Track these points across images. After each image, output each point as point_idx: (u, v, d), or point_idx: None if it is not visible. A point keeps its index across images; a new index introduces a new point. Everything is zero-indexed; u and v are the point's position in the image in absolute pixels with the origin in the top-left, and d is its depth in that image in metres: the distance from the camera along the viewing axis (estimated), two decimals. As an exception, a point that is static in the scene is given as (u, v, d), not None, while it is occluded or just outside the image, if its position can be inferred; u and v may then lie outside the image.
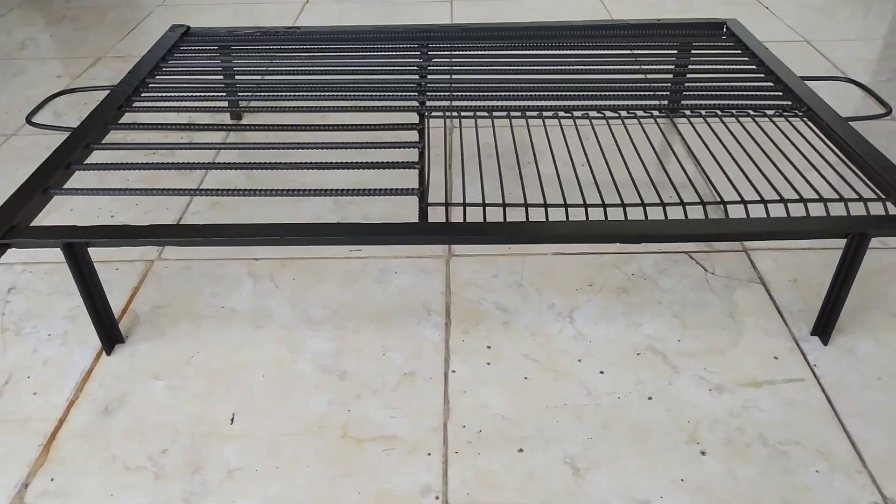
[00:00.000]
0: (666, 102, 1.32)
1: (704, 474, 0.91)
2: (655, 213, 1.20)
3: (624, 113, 1.26)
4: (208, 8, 2.58)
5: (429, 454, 0.94)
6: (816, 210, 1.07)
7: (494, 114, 1.26)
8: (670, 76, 1.70)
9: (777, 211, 1.07)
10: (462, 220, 1.04)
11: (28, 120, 1.26)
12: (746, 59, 1.48)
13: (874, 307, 1.16)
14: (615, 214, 1.19)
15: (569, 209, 1.15)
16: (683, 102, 1.33)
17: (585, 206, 1.02)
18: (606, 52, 1.49)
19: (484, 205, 1.03)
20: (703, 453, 0.93)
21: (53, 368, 1.08)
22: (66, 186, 1.13)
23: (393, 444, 0.96)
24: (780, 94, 1.32)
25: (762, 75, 1.41)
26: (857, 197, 1.02)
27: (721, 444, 0.94)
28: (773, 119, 1.24)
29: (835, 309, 1.06)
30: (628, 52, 1.50)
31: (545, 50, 1.51)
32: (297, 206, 1.44)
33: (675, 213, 1.08)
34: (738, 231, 0.98)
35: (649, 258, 1.28)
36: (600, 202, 1.03)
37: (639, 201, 1.08)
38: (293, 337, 1.13)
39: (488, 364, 1.08)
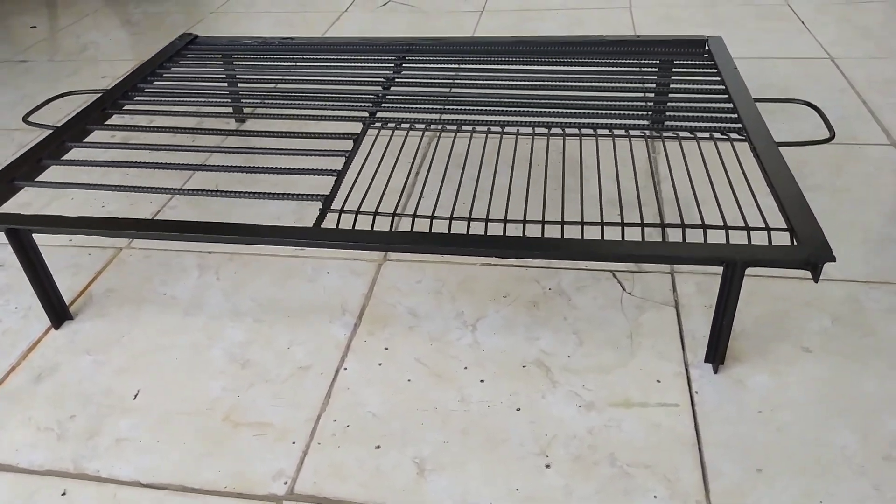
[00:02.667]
0: (643, 122, 1.32)
1: (541, 486, 0.93)
2: (572, 231, 1.22)
3: (590, 131, 1.28)
4: (255, 16, 2.75)
5: (293, 443, 1.01)
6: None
7: (435, 126, 1.31)
8: (651, 95, 1.69)
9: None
10: (393, 230, 1.10)
11: (24, 119, 1.43)
12: (717, 79, 1.46)
13: (786, 340, 1.13)
14: (534, 230, 1.22)
15: (471, 223, 1.19)
16: (645, 122, 1.33)
17: (487, 220, 1.06)
18: (589, 68, 1.51)
19: (375, 213, 1.09)
20: (547, 466, 0.96)
21: (9, 337, 1.24)
22: (38, 179, 1.28)
23: (265, 431, 1.03)
24: (734, 116, 1.30)
25: (724, 96, 1.38)
26: (741, 225, 1.00)
27: (569, 460, 0.96)
28: (716, 141, 1.22)
29: (721, 337, 1.05)
30: (610, 68, 1.51)
31: (524, 65, 1.54)
32: (265, 206, 1.55)
33: (590, 232, 1.10)
34: (610, 252, 0.98)
35: (572, 274, 1.29)
36: (521, 218, 1.06)
37: (561, 220, 1.10)
38: (215, 325, 1.23)
39: (379, 365, 1.13)
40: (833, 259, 0.91)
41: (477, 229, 1.34)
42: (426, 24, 2.53)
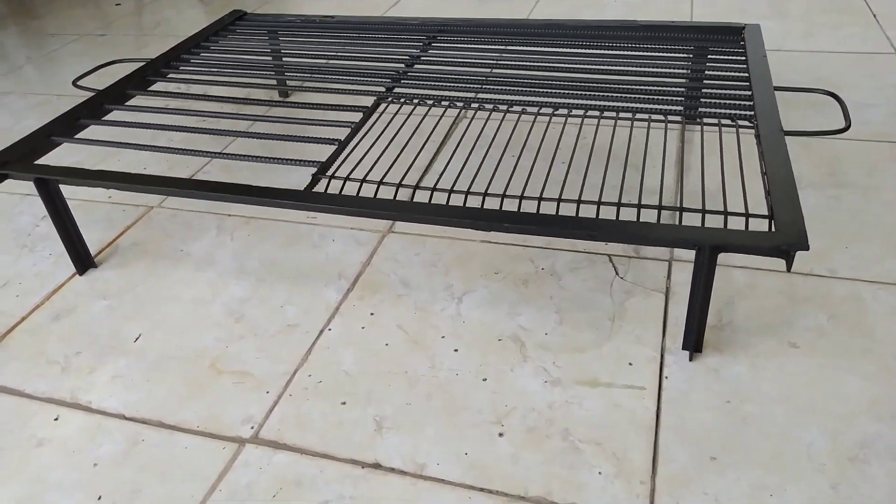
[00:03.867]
0: (666, 108, 1.30)
1: (489, 453, 0.94)
2: (588, 210, 1.22)
3: (612, 114, 1.28)
4: (319, -2, 2.84)
5: (267, 392, 1.07)
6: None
7: (456, 104, 1.33)
8: (680, 81, 1.65)
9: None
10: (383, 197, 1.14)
11: (74, 83, 1.55)
12: (744, 66, 1.41)
13: (776, 334, 1.09)
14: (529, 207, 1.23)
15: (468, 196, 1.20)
16: (672, 108, 1.31)
17: (485, 194, 1.08)
18: (620, 52, 1.49)
19: (363, 181, 1.12)
20: (500, 435, 0.97)
21: (38, 280, 1.35)
22: (77, 136, 1.38)
23: (244, 380, 1.09)
24: (750, 103, 1.27)
25: (746, 84, 1.34)
26: (720, 210, 0.98)
27: (523, 431, 0.97)
28: (727, 128, 1.19)
29: (697, 324, 1.03)
30: (641, 54, 1.49)
31: (556, 48, 1.54)
32: (289, 175, 1.61)
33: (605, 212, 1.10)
34: (588, 231, 0.98)
35: (568, 255, 1.29)
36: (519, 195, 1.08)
37: (557, 197, 1.10)
38: (221, 282, 1.30)
39: (363, 328, 1.17)
40: (806, 247, 0.88)
41: (492, 206, 1.35)
42: (482, 7, 2.55)
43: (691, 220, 1.32)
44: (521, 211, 1.01)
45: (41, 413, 1.06)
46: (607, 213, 1.29)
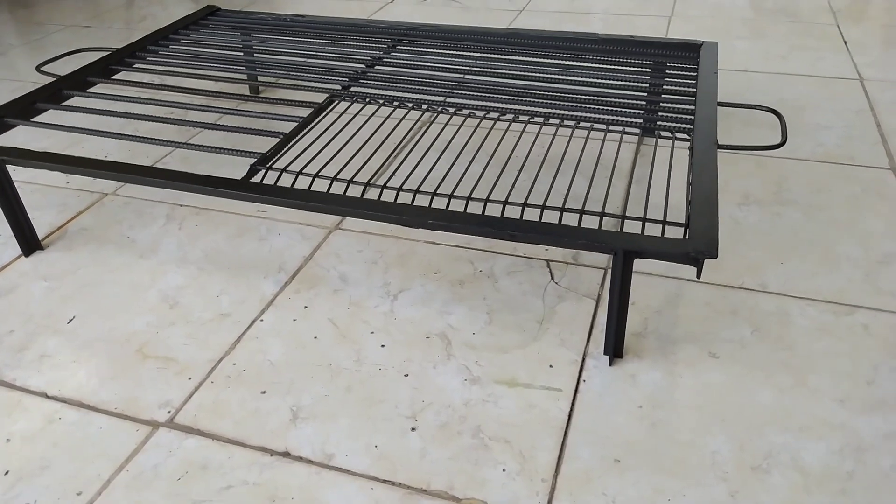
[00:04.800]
0: (616, 118, 1.32)
1: (398, 446, 0.95)
2: (532, 214, 1.23)
3: (564, 122, 1.29)
4: (303, 1, 2.86)
5: (189, 378, 1.07)
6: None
7: (398, 104, 1.35)
8: (627, 93, 1.66)
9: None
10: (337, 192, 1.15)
11: (37, 68, 1.57)
12: (693, 82, 1.43)
13: (697, 343, 1.10)
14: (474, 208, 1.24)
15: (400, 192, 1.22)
16: (623, 120, 1.32)
17: (433, 194, 1.10)
18: (578, 63, 1.51)
19: (299, 173, 1.14)
20: (412, 429, 0.97)
21: (-16, 259, 1.36)
22: (34, 119, 1.40)
23: (168, 365, 1.10)
24: (691, 117, 1.28)
25: (692, 98, 1.36)
26: (639, 217, 0.99)
27: (435, 427, 0.98)
28: (663, 139, 1.20)
29: (615, 330, 1.04)
30: (596, 65, 1.50)
31: (516, 56, 1.56)
32: (244, 167, 1.62)
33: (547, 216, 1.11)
34: (508, 231, 0.99)
35: (507, 259, 1.30)
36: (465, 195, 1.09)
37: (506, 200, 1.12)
38: (161, 269, 1.31)
39: (294, 321, 1.18)
40: (715, 255, 0.89)
41: (439, 206, 1.36)
42: (463, 18, 2.57)
43: (635, 228, 1.33)
44: (455, 210, 1.02)
45: (-37, 388, 1.07)
46: (550, 218, 1.30)
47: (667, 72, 1.53)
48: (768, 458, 0.92)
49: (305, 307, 1.21)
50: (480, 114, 1.49)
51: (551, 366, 1.07)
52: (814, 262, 1.26)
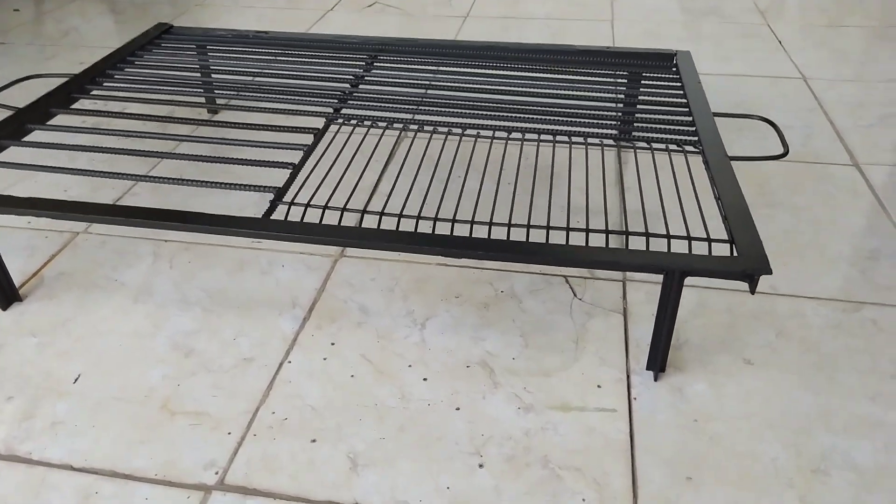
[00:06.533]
0: (607, 131, 1.33)
1: (471, 486, 0.93)
2: (537, 235, 1.22)
3: (558, 138, 1.29)
4: (239, 11, 2.75)
5: (229, 433, 1.01)
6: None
7: (400, 126, 1.31)
8: (615, 105, 1.70)
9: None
10: (354, 225, 1.10)
11: (-14, 98, 1.43)
12: (681, 92, 1.47)
13: (729, 351, 1.14)
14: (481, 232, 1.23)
15: (420, 221, 1.19)
16: (613, 132, 1.34)
17: (434, 218, 1.07)
18: (557, 76, 1.51)
19: (325, 207, 1.09)
20: (480, 466, 0.96)
21: (-46, 317, 1.23)
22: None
23: (202, 420, 1.03)
24: (692, 129, 1.31)
25: (685, 109, 1.40)
26: (684, 235, 1.01)
27: (502, 460, 0.96)
28: (674, 153, 1.23)
29: (662, 345, 1.05)
30: (579, 78, 1.51)
31: (493, 70, 1.55)
32: (227, 197, 1.54)
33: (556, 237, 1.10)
34: (560, 257, 0.98)
35: (525, 278, 1.29)
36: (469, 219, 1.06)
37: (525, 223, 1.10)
38: (162, 314, 1.22)
39: (324, 359, 1.13)
40: (769, 272, 0.92)
41: (443, 230, 1.34)
42: (409, 26, 2.54)
43: (638, 243, 1.36)
44: (493, 238, 1.01)
45: (-28, 468, 0.96)
46: (556, 238, 1.31)
47: (645, 82, 1.56)
48: (824, 461, 0.96)
49: (332, 344, 1.16)
50: (473, 132, 1.48)
51: (599, 386, 1.07)
52: (812, 263, 1.33)
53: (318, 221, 1.05)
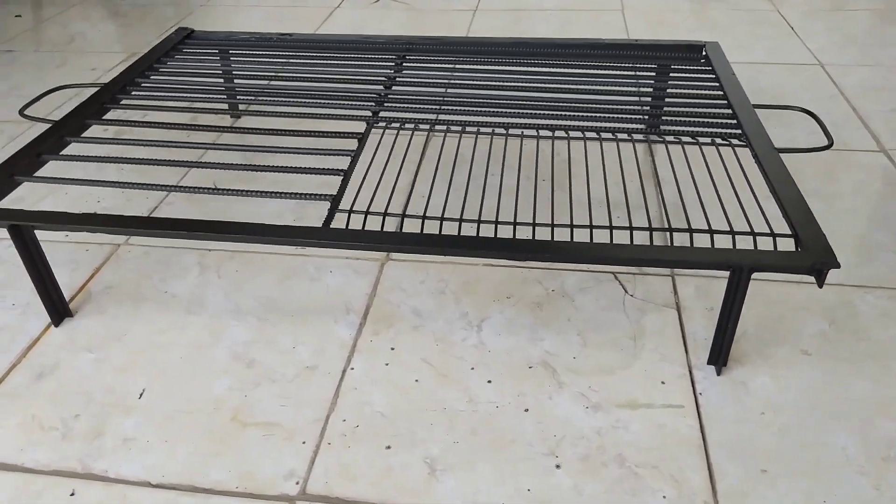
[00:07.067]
0: (642, 126, 1.33)
1: (550, 486, 0.94)
2: (581, 234, 1.23)
3: (591, 134, 1.29)
4: (245, 10, 2.73)
5: (303, 442, 1.01)
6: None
7: (448, 129, 1.31)
8: (648, 99, 1.71)
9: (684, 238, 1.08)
10: (382, 229, 1.10)
11: (21, 112, 1.41)
12: (716, 84, 1.47)
13: (785, 343, 1.15)
14: (542, 233, 1.23)
15: (481, 225, 1.20)
16: (646, 127, 1.34)
17: (496, 223, 1.08)
18: (585, 70, 1.52)
19: (385, 214, 1.09)
20: (557, 467, 0.97)
21: (7, 334, 1.22)
22: (37, 174, 1.26)
23: (274, 431, 1.03)
24: (733, 122, 1.32)
25: (723, 102, 1.41)
26: (748, 231, 1.03)
27: (577, 460, 0.97)
28: (718, 146, 1.24)
29: (725, 340, 1.07)
30: (609, 72, 1.52)
31: (523, 67, 1.55)
32: (264, 204, 1.54)
33: (600, 235, 1.11)
34: (622, 256, 1.00)
35: (574, 276, 1.30)
36: (531, 221, 1.07)
37: (569, 221, 1.11)
38: (218, 324, 1.22)
39: (386, 365, 1.14)
40: (837, 265, 0.94)
41: (486, 230, 1.35)
42: (419, 21, 2.53)
43: (681, 238, 1.37)
44: (555, 240, 1.02)
45: (51, 489, 0.96)
46: (600, 236, 1.32)
47: (675, 75, 1.57)
48: (892, 448, 0.98)
49: (392, 349, 1.17)
50: (503, 131, 1.48)
51: (663, 382, 1.09)
52: (854, 251, 1.35)
53: (360, 227, 1.05)
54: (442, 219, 1.09)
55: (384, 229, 1.06)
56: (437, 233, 1.05)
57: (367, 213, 1.10)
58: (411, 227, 1.40)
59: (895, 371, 1.10)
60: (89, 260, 1.39)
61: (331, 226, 1.09)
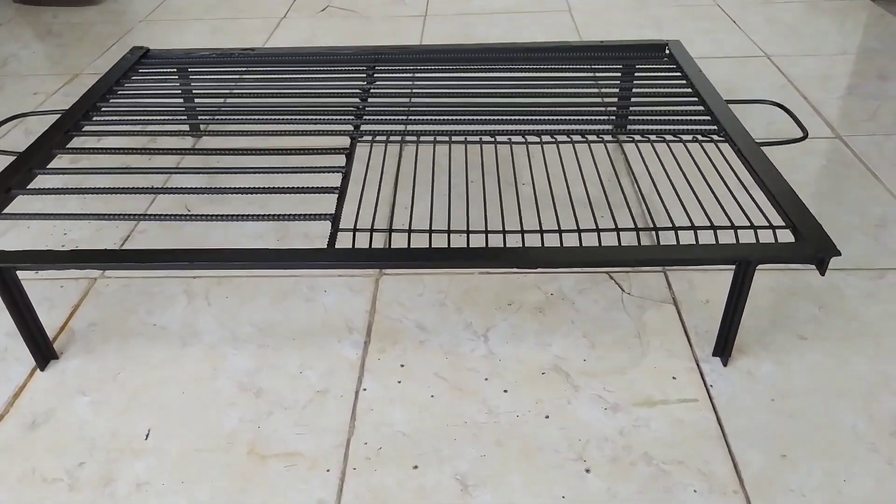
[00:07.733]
0: (615, 127, 1.35)
1: (585, 492, 0.95)
2: (569, 238, 1.24)
3: (563, 138, 1.30)
4: (187, 24, 2.64)
5: (328, 470, 0.99)
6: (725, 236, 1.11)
7: (422, 138, 1.31)
8: (614, 99, 1.74)
9: (685, 237, 1.11)
10: (385, 246, 1.08)
11: (-22, 145, 1.33)
12: (683, 82, 1.51)
13: (781, 329, 1.20)
14: (532, 240, 1.24)
15: (489, 235, 1.19)
16: (619, 128, 1.36)
17: (504, 232, 1.08)
18: (552, 74, 1.53)
19: (390, 230, 1.08)
20: (587, 471, 0.98)
21: (-12, 383, 1.15)
22: (5, 211, 1.19)
23: (295, 461, 1.01)
24: (708, 118, 1.36)
25: (694, 99, 1.44)
26: (748, 224, 1.06)
27: (606, 462, 0.98)
28: (701, 143, 1.27)
29: (730, 332, 1.10)
30: (574, 74, 1.54)
31: (491, 73, 1.55)
32: (241, 226, 1.50)
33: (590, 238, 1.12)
34: (633, 258, 1.02)
35: (571, 278, 1.32)
36: (518, 229, 1.07)
37: (557, 227, 1.12)
38: (216, 354, 1.18)
39: (399, 382, 1.12)
40: (838, 253, 0.98)
41: (477, 241, 1.34)
42: (369, 29, 2.51)
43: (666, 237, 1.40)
44: (563, 246, 1.02)
45: (67, 544, 0.91)
46: (589, 240, 1.34)
47: (640, 74, 1.60)
48: (897, 423, 1.03)
49: (402, 366, 1.15)
50: (481, 138, 1.48)
51: (674, 377, 1.11)
52: (832, 234, 1.40)
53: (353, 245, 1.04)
54: (449, 232, 1.08)
55: (372, 246, 1.05)
56: (428, 245, 1.05)
57: (371, 230, 1.08)
58: (399, 241, 1.38)
59: (888, 347, 1.15)
60: (66, 297, 1.32)
61: (335, 246, 1.07)
